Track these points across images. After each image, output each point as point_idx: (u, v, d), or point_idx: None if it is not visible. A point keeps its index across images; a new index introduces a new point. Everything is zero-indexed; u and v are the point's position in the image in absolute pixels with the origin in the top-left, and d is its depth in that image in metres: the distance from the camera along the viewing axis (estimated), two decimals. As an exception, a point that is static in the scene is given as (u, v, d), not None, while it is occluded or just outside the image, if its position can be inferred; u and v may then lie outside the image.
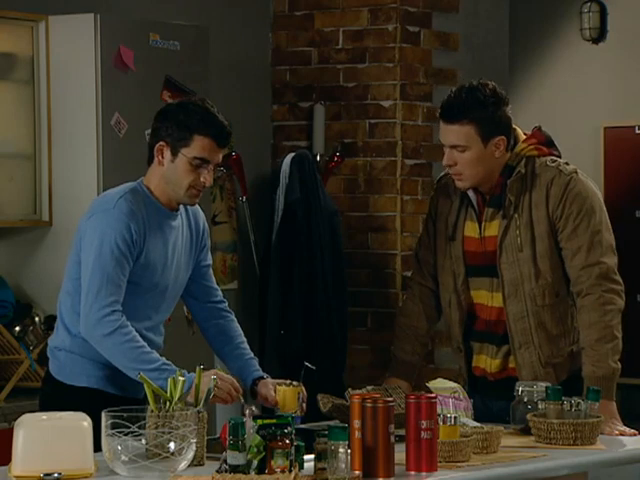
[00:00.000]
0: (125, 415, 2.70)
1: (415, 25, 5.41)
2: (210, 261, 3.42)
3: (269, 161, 5.60)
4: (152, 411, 2.75)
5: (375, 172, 5.44)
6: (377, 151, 5.43)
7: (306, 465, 2.75)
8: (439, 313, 3.58)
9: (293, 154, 5.31)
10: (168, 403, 2.80)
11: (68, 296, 3.23)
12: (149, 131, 4.59)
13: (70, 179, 4.51)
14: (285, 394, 2.93)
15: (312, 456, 2.69)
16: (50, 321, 4.43)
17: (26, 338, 4.39)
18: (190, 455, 2.72)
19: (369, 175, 5.45)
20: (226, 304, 3.46)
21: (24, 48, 4.44)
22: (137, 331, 3.18)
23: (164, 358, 3.14)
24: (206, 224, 3.41)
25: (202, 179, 3.18)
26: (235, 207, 5.44)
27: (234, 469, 2.64)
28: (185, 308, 4.77)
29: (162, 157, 3.21)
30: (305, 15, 5.53)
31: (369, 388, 3.30)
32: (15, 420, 2.80)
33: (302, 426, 3.15)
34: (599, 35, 5.72)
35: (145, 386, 2.83)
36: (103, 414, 2.71)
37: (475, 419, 3.15)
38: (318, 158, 5.44)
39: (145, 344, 3.14)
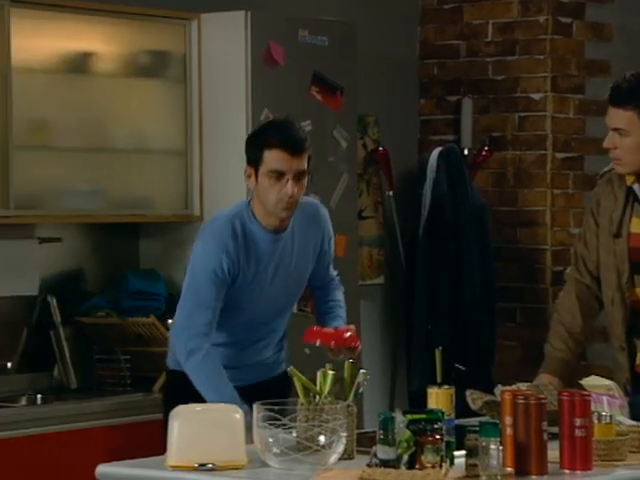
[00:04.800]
0: (276, 408, 2.73)
1: (567, 16, 5.31)
2: (325, 260, 3.47)
3: (416, 155, 5.58)
4: (302, 404, 2.77)
5: (524, 166, 5.37)
6: (527, 144, 5.35)
7: (457, 461, 2.73)
8: (596, 310, 3.51)
9: (440, 148, 5.28)
10: (318, 396, 2.81)
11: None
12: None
13: (220, 174, 4.57)
14: (437, 397, 2.91)
15: (463, 452, 2.67)
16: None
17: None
18: (340, 448, 2.73)
19: (518, 169, 5.38)
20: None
21: (176, 46, 4.52)
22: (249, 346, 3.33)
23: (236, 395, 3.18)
24: (324, 227, 3.42)
25: (285, 191, 3.21)
26: (381, 202, 5.43)
27: (384, 463, 2.64)
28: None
29: (251, 180, 3.29)
30: (454, 8, 5.49)
31: (520, 385, 3.25)
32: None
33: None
34: None
35: (295, 380, 2.85)
36: (255, 406, 2.75)
37: (636, 418, 3.07)
38: (466, 152, 5.40)
39: (224, 375, 3.21)
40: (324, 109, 4.73)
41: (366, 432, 3.08)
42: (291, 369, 2.88)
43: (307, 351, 4.63)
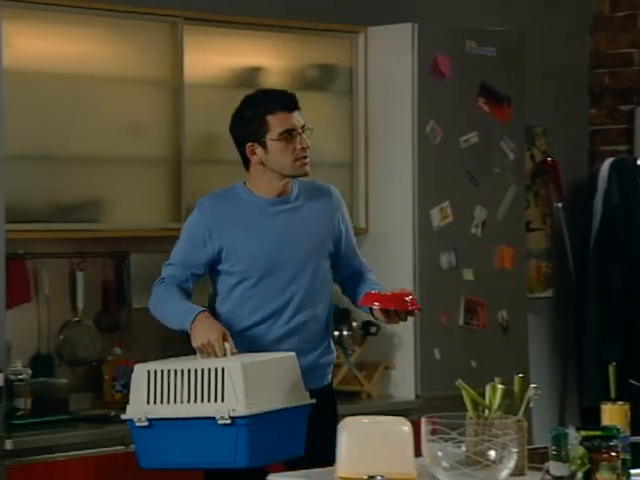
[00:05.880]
0: (445, 421, 2.70)
1: None
2: (350, 246, 3.47)
3: (586, 166, 5.47)
4: (471, 418, 2.74)
5: (702, 176, 5.21)
6: None
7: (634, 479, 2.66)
8: None
9: (612, 159, 5.18)
10: (487, 411, 2.77)
11: None
12: (463, 138, 4.64)
13: (386, 187, 4.58)
14: (612, 413, 2.83)
15: (639, 471, 2.58)
16: (367, 326, 4.51)
17: (344, 343, 4.50)
18: (511, 464, 2.68)
19: (696, 180, 5.22)
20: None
21: (343, 59, 4.56)
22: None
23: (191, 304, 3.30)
24: (338, 205, 3.43)
25: (299, 146, 3.32)
26: (550, 213, 5.34)
27: (557, 480, 2.58)
28: (499, 315, 4.74)
29: (256, 154, 3.36)
30: (627, 16, 5.37)
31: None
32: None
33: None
34: None
35: (464, 393, 2.81)
36: (423, 419, 2.72)
37: None
38: (639, 163, 5.26)
39: (178, 293, 3.33)
40: (491, 120, 4.68)
41: (537, 448, 3.02)
42: (459, 382, 2.85)
43: (473, 364, 4.58)
